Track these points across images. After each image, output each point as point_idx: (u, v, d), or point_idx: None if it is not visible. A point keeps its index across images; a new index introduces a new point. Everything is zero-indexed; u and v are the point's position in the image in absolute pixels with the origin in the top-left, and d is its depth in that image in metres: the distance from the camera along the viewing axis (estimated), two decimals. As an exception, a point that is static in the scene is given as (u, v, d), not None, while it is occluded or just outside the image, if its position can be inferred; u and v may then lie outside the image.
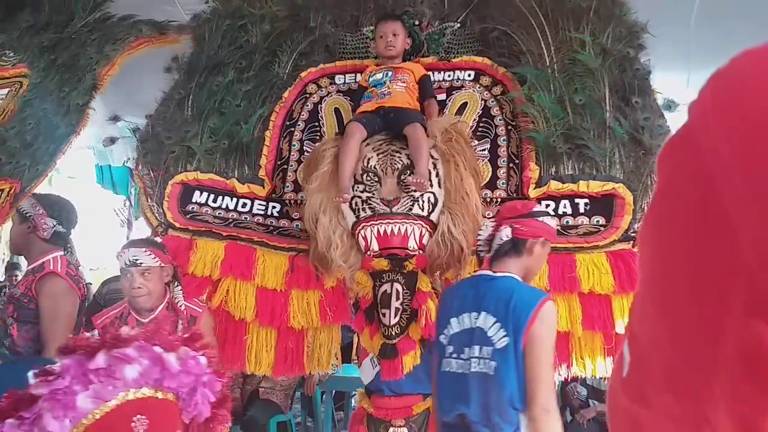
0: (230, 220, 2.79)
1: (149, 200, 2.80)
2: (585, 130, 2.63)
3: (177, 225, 2.75)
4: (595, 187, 2.58)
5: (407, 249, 2.49)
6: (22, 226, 2.65)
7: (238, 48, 2.97)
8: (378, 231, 2.49)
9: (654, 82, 4.49)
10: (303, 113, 2.96)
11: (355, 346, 4.09)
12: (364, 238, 2.52)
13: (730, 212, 0.33)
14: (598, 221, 2.60)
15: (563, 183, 2.61)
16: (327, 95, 3.00)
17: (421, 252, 2.50)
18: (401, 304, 2.46)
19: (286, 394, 4.21)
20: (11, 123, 2.90)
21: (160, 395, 1.16)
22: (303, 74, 2.99)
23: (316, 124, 2.95)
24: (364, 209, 2.55)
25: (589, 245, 2.57)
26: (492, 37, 2.92)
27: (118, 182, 6.28)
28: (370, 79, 2.76)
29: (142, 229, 9.00)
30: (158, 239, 2.73)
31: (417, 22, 2.97)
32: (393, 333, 2.44)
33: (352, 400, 4.44)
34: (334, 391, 4.47)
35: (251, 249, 2.72)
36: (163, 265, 2.39)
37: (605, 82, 2.67)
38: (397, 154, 2.58)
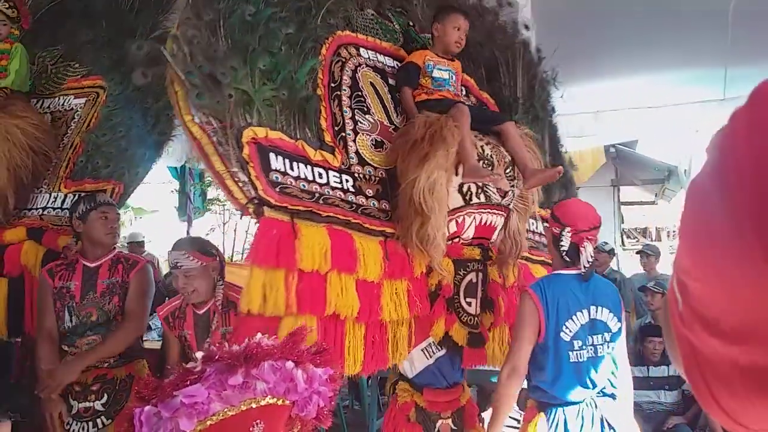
0: (316, 195, 2.20)
1: (228, 166, 2.02)
2: None
3: (273, 202, 2.04)
4: None
5: (491, 240, 2.66)
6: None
7: None
8: (480, 219, 2.55)
9: (691, 77, 4.54)
10: (344, 77, 2.57)
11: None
12: (460, 223, 2.49)
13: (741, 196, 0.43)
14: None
15: None
16: (359, 65, 2.68)
17: (492, 244, 2.68)
18: (483, 293, 2.60)
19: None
20: (101, 130, 3.12)
21: (279, 402, 1.27)
22: (339, 32, 2.63)
23: (360, 93, 2.60)
24: (477, 195, 2.51)
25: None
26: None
27: (177, 182, 6.59)
28: (434, 73, 2.69)
29: (201, 225, 9.47)
30: (201, 237, 2.89)
31: (411, 23, 3.00)
32: (477, 322, 2.56)
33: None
34: (379, 377, 4.68)
35: (347, 234, 2.22)
36: (204, 264, 2.45)
37: None
38: (499, 147, 2.64)
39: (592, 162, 6.96)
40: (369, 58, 2.73)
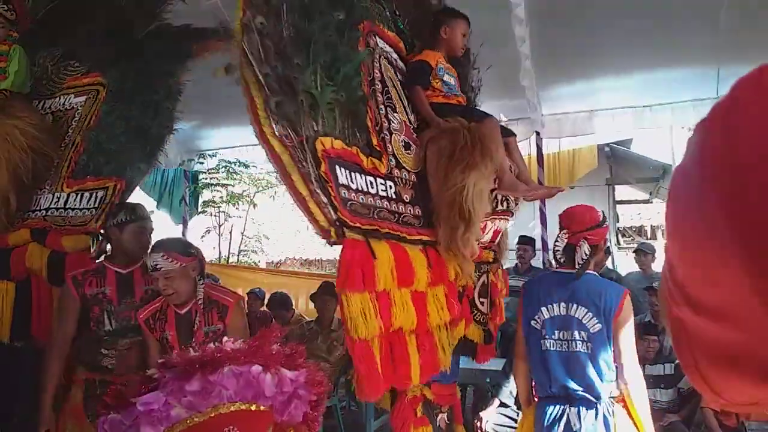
0: (372, 209, 2.09)
1: (310, 186, 1.83)
2: None
3: (349, 223, 1.92)
4: None
5: (495, 243, 2.84)
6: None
7: None
8: (496, 225, 2.72)
9: (684, 76, 4.56)
10: (375, 71, 2.42)
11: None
12: (483, 228, 2.56)
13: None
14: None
15: None
16: (380, 57, 2.53)
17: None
18: (489, 293, 2.81)
19: (330, 381, 4.43)
20: (102, 127, 3.07)
21: (253, 407, 1.25)
22: (366, 19, 2.42)
23: (387, 89, 2.48)
24: (502, 203, 2.67)
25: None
26: None
27: (174, 184, 6.55)
28: (444, 77, 2.72)
29: (195, 228, 9.46)
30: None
31: (397, 12, 2.96)
32: (487, 320, 2.79)
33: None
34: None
35: (402, 247, 2.16)
36: (184, 264, 2.43)
37: None
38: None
39: (586, 161, 6.98)
40: (383, 48, 2.59)
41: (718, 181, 0.45)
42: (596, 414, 2.32)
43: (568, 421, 2.33)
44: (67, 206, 2.94)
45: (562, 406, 2.37)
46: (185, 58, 3.20)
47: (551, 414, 2.38)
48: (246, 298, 6.09)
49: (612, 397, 2.35)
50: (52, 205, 2.97)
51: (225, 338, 1.38)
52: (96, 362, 2.63)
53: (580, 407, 2.34)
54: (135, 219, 2.72)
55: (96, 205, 2.89)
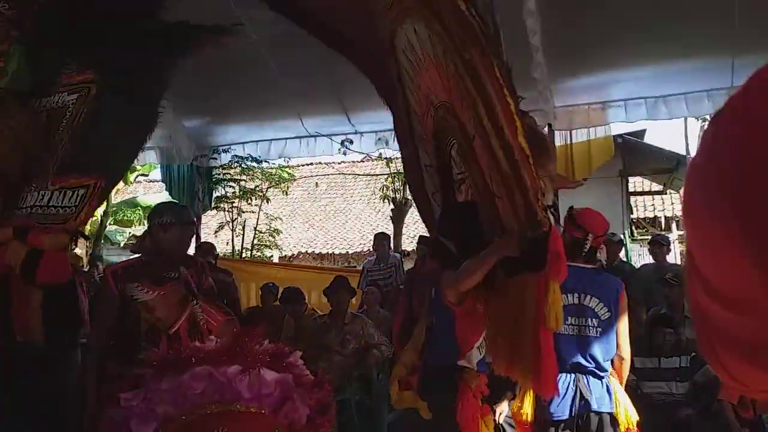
0: None
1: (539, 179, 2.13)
2: None
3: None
4: None
5: None
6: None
7: None
8: None
9: (699, 67, 4.51)
10: None
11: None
12: None
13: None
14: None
15: None
16: None
17: None
18: None
19: (344, 375, 4.49)
20: (89, 124, 3.03)
21: (242, 408, 1.26)
22: None
23: None
24: None
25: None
26: None
27: (185, 180, 6.58)
28: None
29: (209, 224, 9.50)
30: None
31: None
32: None
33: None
34: (390, 373, 4.72)
35: None
36: None
37: None
38: None
39: (600, 153, 6.92)
40: None
41: (726, 175, 0.46)
42: (602, 385, 2.73)
43: (579, 390, 2.70)
44: (50, 204, 2.92)
45: (574, 375, 2.72)
46: (179, 55, 3.20)
47: (565, 382, 2.69)
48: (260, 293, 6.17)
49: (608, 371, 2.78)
50: (37, 203, 2.96)
51: (212, 337, 1.45)
52: (132, 357, 2.63)
53: (589, 378, 2.72)
54: (180, 222, 2.78)
55: (76, 203, 2.87)
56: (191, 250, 5.48)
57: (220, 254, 7.43)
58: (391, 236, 8.14)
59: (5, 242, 2.82)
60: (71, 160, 3.01)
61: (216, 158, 6.70)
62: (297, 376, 1.39)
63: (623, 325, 2.81)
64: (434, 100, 2.51)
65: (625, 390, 2.88)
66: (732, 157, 0.46)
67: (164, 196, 7.13)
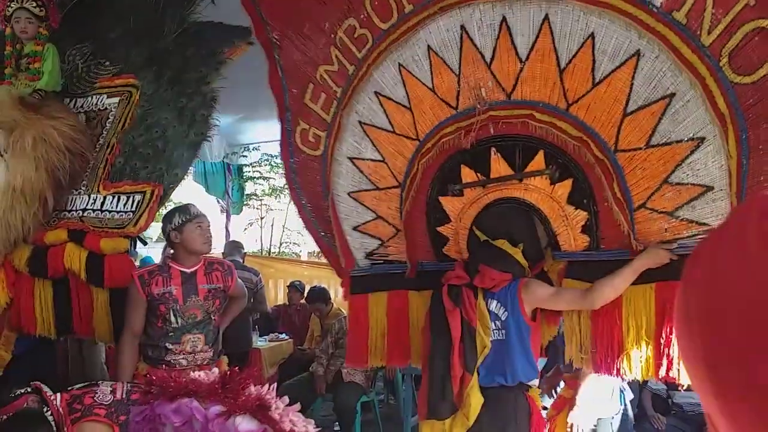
0: None
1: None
2: None
3: None
4: None
5: None
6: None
7: None
8: None
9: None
10: None
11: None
12: None
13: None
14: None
15: None
16: None
17: None
18: None
19: (367, 376, 4.50)
20: (137, 131, 3.07)
21: None
22: None
23: None
24: None
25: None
26: None
27: (215, 176, 6.67)
28: None
29: (239, 220, 9.64)
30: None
31: None
32: None
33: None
34: (414, 374, 4.70)
35: None
36: None
37: None
38: None
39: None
40: None
41: (693, 319, 0.50)
42: None
43: None
44: (104, 208, 2.96)
45: None
46: (219, 64, 3.18)
47: None
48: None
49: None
50: (88, 206, 2.99)
51: (198, 373, 1.47)
52: (160, 358, 2.78)
53: None
54: (191, 218, 2.84)
55: (133, 209, 2.91)
56: (220, 247, 5.67)
57: (249, 251, 7.51)
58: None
59: (59, 244, 2.90)
60: (122, 165, 3.04)
61: (246, 156, 6.78)
62: (276, 430, 1.41)
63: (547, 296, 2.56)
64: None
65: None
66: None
67: (195, 191, 7.22)
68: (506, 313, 2.28)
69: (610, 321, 2.24)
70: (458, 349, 2.24)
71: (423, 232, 2.71)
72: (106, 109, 3.19)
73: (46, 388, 2.01)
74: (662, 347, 2.12)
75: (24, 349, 3.11)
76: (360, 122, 2.66)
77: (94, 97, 3.25)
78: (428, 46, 2.41)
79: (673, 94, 2.00)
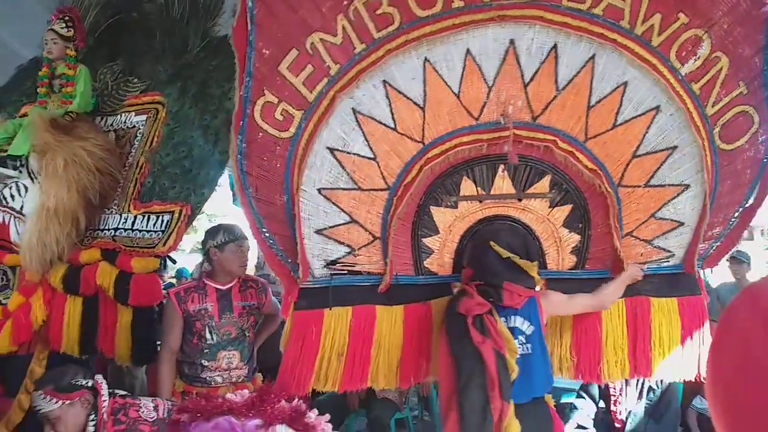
0: None
1: None
2: None
3: None
4: None
5: None
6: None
7: None
8: None
9: None
10: None
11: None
12: None
13: None
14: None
15: None
16: None
17: None
18: None
19: (401, 392, 4.27)
20: (164, 150, 3.08)
21: None
22: None
23: None
24: None
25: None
26: None
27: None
28: None
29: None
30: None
31: None
32: None
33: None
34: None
35: None
36: (68, 402, 2.26)
37: None
38: None
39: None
40: None
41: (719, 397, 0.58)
42: None
43: None
44: (135, 227, 2.97)
45: None
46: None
47: None
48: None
49: None
50: (120, 226, 3.01)
51: (229, 394, 1.53)
52: (196, 375, 2.86)
53: None
54: (234, 239, 2.93)
55: (162, 228, 2.92)
56: (253, 258, 5.17)
57: None
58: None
59: (93, 263, 2.92)
60: (151, 185, 3.04)
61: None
62: None
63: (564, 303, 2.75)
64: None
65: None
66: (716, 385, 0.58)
67: (227, 202, 6.77)
68: (531, 327, 2.33)
69: (593, 332, 2.55)
70: (498, 382, 2.21)
71: (405, 243, 2.54)
72: (134, 127, 3.24)
73: (104, 391, 2.13)
74: (633, 351, 2.55)
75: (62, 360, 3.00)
76: (354, 110, 2.34)
77: (123, 115, 3.29)
78: (468, 49, 2.29)
79: (675, 147, 2.42)
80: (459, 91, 2.34)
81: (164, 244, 2.87)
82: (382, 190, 2.44)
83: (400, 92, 2.33)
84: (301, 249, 2.36)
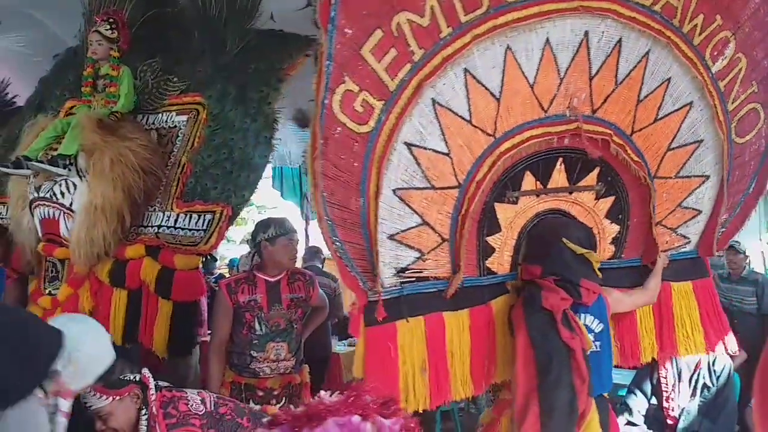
0: None
1: None
2: None
3: None
4: None
5: None
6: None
7: None
8: None
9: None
10: None
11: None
12: None
13: None
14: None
15: None
16: None
17: None
18: None
19: None
20: (206, 151, 3.13)
21: None
22: None
23: None
24: None
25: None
26: None
27: (292, 181, 6.96)
28: None
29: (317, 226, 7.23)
30: None
31: None
32: None
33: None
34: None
35: None
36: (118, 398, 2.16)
37: None
38: None
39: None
40: None
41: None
42: None
43: None
44: (177, 225, 3.08)
45: None
46: (279, 82, 3.25)
47: None
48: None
49: None
50: (163, 223, 3.12)
51: (322, 393, 1.40)
52: (245, 365, 2.92)
53: None
54: (284, 233, 2.97)
55: (204, 227, 3.01)
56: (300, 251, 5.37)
57: (328, 256, 7.39)
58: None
59: (138, 258, 3.04)
60: (194, 185, 3.11)
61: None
62: (403, 421, 1.43)
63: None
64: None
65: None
66: None
67: (274, 195, 7.32)
68: (601, 324, 2.33)
69: (630, 318, 2.66)
70: (588, 379, 2.17)
71: (472, 243, 2.36)
72: (175, 126, 3.31)
73: (152, 385, 2.10)
74: (660, 334, 2.72)
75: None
76: (434, 101, 2.12)
77: (164, 114, 3.36)
78: (547, 39, 2.20)
79: (701, 140, 2.60)
80: (534, 82, 2.24)
81: (206, 243, 2.98)
82: (453, 188, 2.24)
83: (478, 81, 2.15)
84: (376, 257, 2.08)
